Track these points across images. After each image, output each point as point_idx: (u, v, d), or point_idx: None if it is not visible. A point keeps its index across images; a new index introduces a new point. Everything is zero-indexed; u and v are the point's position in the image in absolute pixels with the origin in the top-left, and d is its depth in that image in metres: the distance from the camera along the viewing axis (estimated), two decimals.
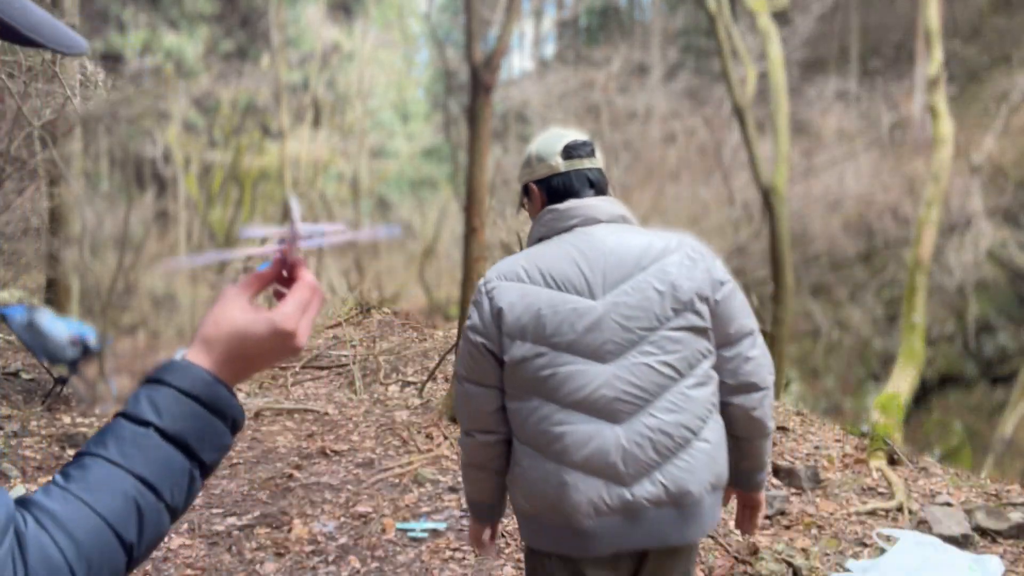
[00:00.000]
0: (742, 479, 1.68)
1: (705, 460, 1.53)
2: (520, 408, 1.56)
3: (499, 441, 1.62)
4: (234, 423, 0.73)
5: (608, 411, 1.50)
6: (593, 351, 1.51)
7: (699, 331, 1.55)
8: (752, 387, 1.60)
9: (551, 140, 1.71)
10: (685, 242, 1.61)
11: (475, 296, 1.62)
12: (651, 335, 1.51)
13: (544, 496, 1.54)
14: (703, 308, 1.55)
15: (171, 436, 0.67)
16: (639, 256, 1.55)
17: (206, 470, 0.71)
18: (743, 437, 1.63)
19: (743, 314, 1.62)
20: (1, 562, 0.59)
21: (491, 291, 1.58)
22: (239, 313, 0.73)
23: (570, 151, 1.69)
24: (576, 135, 1.73)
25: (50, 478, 0.70)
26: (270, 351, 0.73)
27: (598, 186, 1.70)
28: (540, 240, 1.65)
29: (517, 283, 1.56)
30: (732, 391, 1.60)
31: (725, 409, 1.61)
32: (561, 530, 1.54)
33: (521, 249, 1.78)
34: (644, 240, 1.59)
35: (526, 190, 1.73)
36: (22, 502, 0.63)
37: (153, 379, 0.70)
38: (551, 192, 1.67)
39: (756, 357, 1.61)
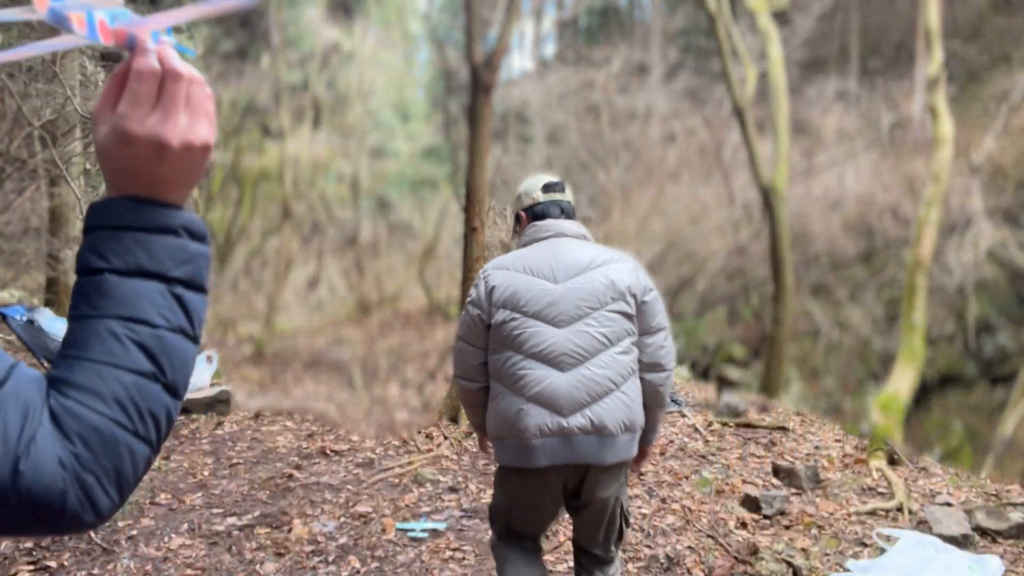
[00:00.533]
0: (643, 437, 2.25)
1: (621, 406, 2.11)
2: (498, 358, 2.19)
3: (480, 388, 2.28)
4: (186, 229, 0.70)
5: (557, 362, 2.11)
6: (551, 319, 2.13)
7: (627, 316, 2.16)
8: (660, 367, 2.21)
9: (534, 180, 2.45)
10: (625, 257, 2.26)
11: (476, 280, 2.28)
12: (593, 313, 2.14)
13: (506, 420, 2.14)
14: (632, 301, 2.16)
15: (124, 271, 0.67)
16: (591, 260, 2.20)
17: (192, 285, 0.70)
18: (648, 406, 2.22)
19: (661, 315, 2.23)
20: (44, 446, 0.60)
21: (486, 276, 2.24)
22: (97, 128, 0.69)
23: (548, 187, 2.40)
24: (552, 177, 2.45)
25: None
26: (134, 159, 0.68)
27: (567, 212, 2.39)
28: (524, 246, 2.32)
29: (504, 271, 2.22)
30: (646, 368, 2.20)
31: (640, 382, 2.20)
32: (516, 447, 2.13)
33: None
34: (596, 250, 2.24)
35: (517, 218, 2.45)
36: (49, 382, 0.64)
37: (86, 228, 0.70)
38: (534, 215, 2.38)
39: (667, 347, 2.23)
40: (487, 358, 2.24)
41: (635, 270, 2.22)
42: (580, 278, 2.16)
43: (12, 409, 0.61)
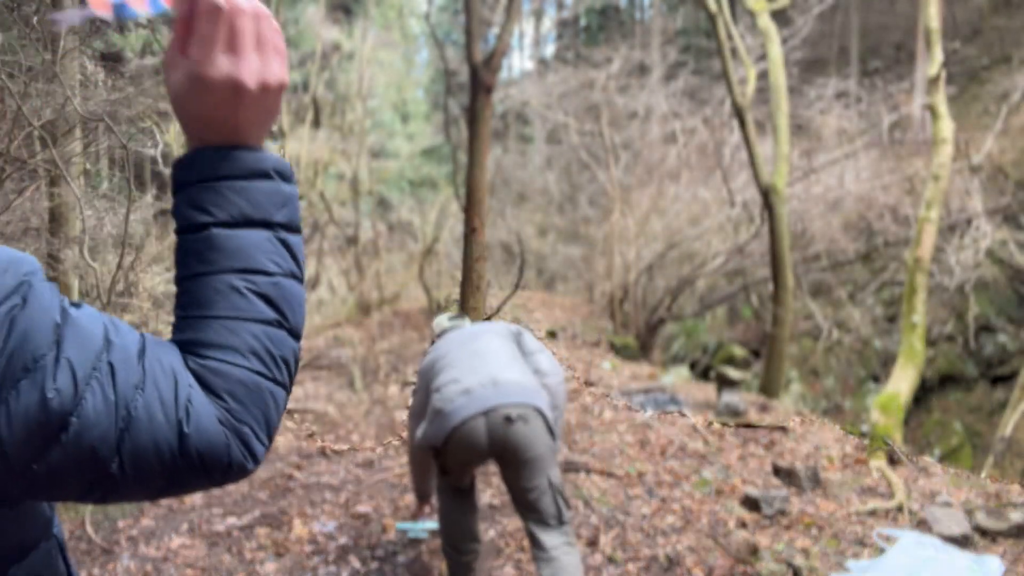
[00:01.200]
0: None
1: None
2: None
3: None
4: (277, 172, 0.70)
5: None
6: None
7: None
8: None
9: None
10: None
11: None
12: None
13: None
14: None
15: (230, 222, 0.68)
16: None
17: (292, 227, 0.71)
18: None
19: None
20: (200, 406, 0.63)
21: None
22: (169, 79, 0.68)
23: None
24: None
25: None
26: (211, 104, 0.67)
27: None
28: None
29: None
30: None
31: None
32: None
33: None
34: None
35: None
36: (179, 346, 0.66)
37: (177, 187, 0.70)
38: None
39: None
40: None
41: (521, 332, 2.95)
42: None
43: (162, 377, 0.63)
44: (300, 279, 0.72)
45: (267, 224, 0.69)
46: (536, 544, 2.55)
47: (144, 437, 0.61)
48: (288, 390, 0.70)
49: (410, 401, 2.80)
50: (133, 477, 0.61)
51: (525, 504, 2.58)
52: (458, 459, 2.62)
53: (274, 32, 0.70)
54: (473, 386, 2.51)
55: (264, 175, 0.69)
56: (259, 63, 0.68)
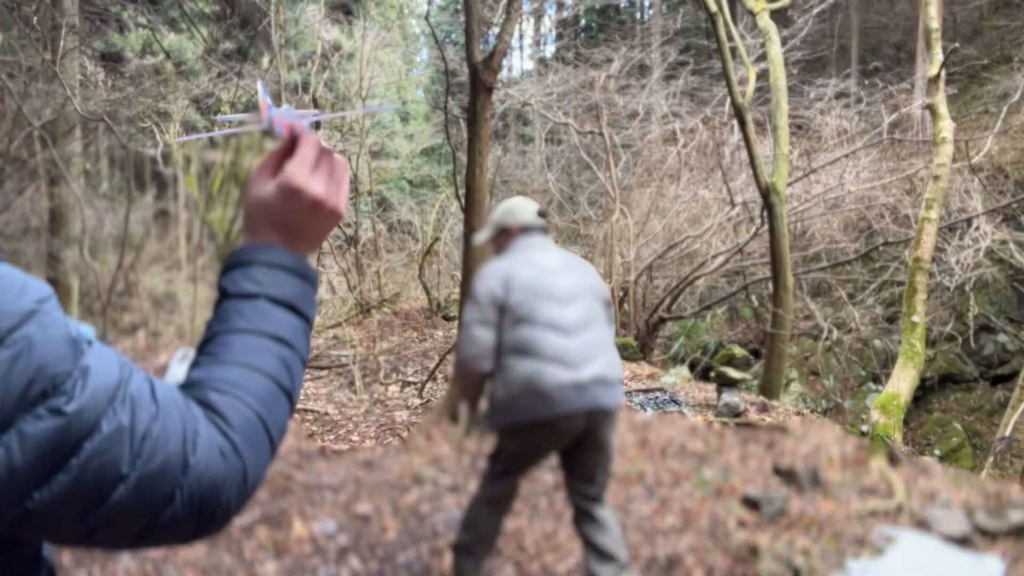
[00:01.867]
0: None
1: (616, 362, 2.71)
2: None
3: None
4: (314, 283, 0.84)
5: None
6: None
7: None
8: None
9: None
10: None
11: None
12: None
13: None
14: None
15: (278, 300, 0.79)
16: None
17: (311, 325, 0.83)
18: None
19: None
20: (207, 438, 0.66)
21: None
22: (256, 187, 0.82)
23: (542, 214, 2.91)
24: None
25: None
26: (292, 211, 0.81)
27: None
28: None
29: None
30: None
31: None
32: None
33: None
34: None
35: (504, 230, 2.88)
36: (190, 384, 0.72)
37: (236, 263, 0.81)
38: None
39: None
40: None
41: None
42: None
43: (173, 409, 0.65)
44: (304, 366, 0.83)
45: (300, 313, 0.81)
46: (590, 519, 2.68)
47: (153, 466, 0.62)
48: (274, 453, 0.75)
49: (473, 314, 2.61)
50: (131, 509, 0.62)
51: (586, 479, 2.68)
52: (540, 444, 2.60)
53: (344, 174, 0.86)
54: (585, 382, 2.50)
55: (308, 278, 0.83)
56: (333, 190, 0.83)
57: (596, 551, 2.65)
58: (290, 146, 0.84)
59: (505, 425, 2.59)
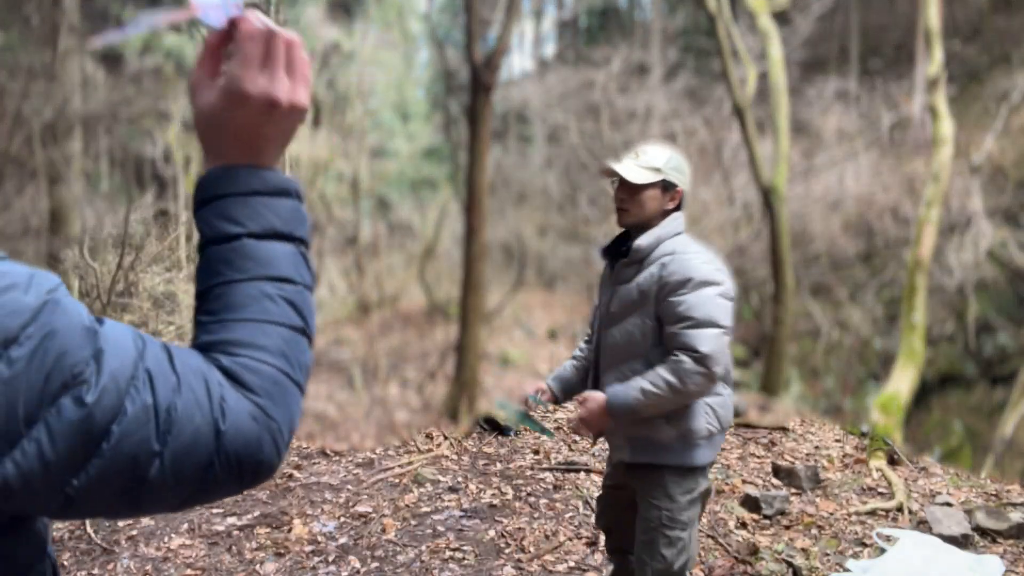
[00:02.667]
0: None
1: None
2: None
3: None
4: (297, 194, 0.75)
5: None
6: None
7: None
8: None
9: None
10: None
11: (716, 263, 2.12)
12: None
13: (727, 413, 2.25)
14: None
15: (262, 235, 0.72)
16: None
17: (307, 243, 0.76)
18: None
19: None
20: (234, 403, 0.65)
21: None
22: (199, 97, 0.72)
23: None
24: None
25: None
26: (245, 120, 0.71)
27: None
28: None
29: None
30: None
31: None
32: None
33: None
34: None
35: (667, 187, 2.20)
36: (201, 348, 0.68)
37: (204, 200, 0.73)
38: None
39: None
40: None
41: None
42: None
43: (193, 379, 0.64)
44: (312, 291, 0.76)
45: (292, 238, 0.74)
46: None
47: (184, 438, 0.62)
48: (303, 394, 0.73)
49: (725, 314, 2.06)
50: (171, 482, 0.62)
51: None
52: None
53: (303, 60, 0.74)
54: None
55: (288, 194, 0.74)
56: (289, 85, 0.72)
57: None
58: (227, 36, 0.72)
59: (708, 463, 2.23)
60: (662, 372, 2.02)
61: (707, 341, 1.99)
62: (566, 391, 2.49)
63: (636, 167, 2.14)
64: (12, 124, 6.78)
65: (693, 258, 2.07)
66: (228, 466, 0.64)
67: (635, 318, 2.14)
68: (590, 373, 2.38)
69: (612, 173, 2.19)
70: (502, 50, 5.43)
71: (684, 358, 2.00)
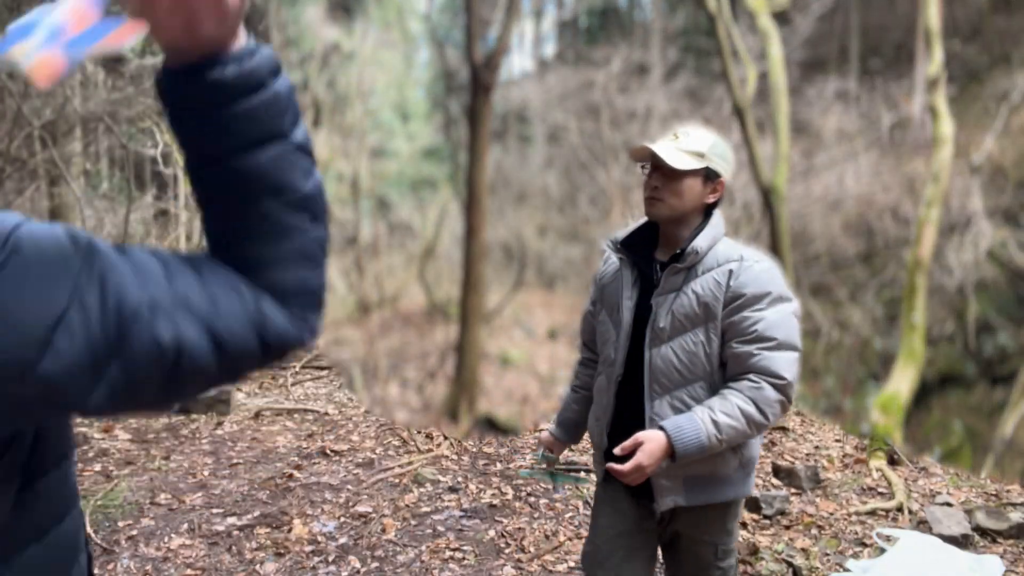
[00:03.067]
0: None
1: None
2: None
3: None
4: (272, 72, 0.68)
5: None
6: None
7: None
8: None
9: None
10: None
11: (775, 269, 1.87)
12: None
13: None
14: None
15: (246, 148, 0.67)
16: None
17: (298, 123, 0.71)
18: None
19: None
20: (269, 311, 0.70)
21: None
22: None
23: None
24: None
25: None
26: None
27: None
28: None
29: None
30: None
31: None
32: None
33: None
34: None
35: (710, 176, 1.86)
36: (236, 266, 0.70)
37: (181, 109, 0.67)
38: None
39: None
40: None
41: None
42: None
43: (226, 283, 0.68)
44: (314, 161, 0.74)
45: (278, 136, 0.68)
46: None
47: (233, 327, 0.66)
48: (325, 276, 0.76)
49: (795, 327, 1.90)
50: (231, 361, 0.67)
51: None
52: None
53: None
54: None
55: (261, 84, 0.66)
56: None
57: None
58: None
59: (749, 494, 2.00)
60: (737, 401, 1.71)
61: (789, 366, 1.79)
62: (574, 434, 2.24)
63: (676, 150, 1.81)
64: (12, 124, 6.78)
65: (767, 268, 1.82)
66: (271, 352, 0.70)
67: (695, 335, 1.80)
68: (611, 401, 1.95)
69: (646, 155, 1.84)
70: (502, 50, 5.44)
71: (765, 384, 1.72)
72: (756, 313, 1.76)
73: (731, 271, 1.78)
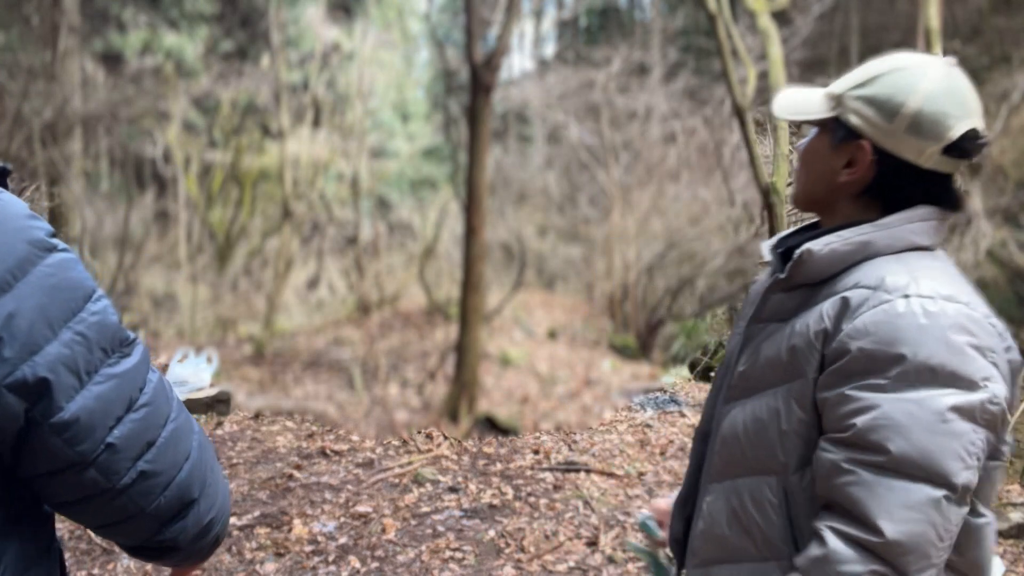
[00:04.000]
0: None
1: None
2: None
3: None
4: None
5: None
6: None
7: None
8: None
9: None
10: None
11: (982, 334, 1.08)
12: None
13: None
14: None
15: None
16: None
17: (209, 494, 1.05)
18: None
19: None
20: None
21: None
22: None
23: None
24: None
25: None
26: None
27: None
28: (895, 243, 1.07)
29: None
30: None
31: None
32: None
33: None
34: None
35: (886, 158, 1.07)
36: None
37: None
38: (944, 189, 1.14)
39: None
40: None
41: None
42: None
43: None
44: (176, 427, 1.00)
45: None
46: None
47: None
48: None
49: (963, 428, 0.95)
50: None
51: None
52: None
53: None
54: None
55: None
56: None
57: None
58: None
59: None
60: None
61: (900, 513, 0.91)
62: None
63: (804, 94, 1.14)
64: (12, 124, 6.79)
65: (923, 313, 0.98)
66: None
67: (774, 397, 1.07)
68: (692, 465, 1.34)
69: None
70: (502, 50, 5.44)
71: (833, 541, 0.93)
72: (865, 393, 0.95)
73: (846, 302, 1.01)
